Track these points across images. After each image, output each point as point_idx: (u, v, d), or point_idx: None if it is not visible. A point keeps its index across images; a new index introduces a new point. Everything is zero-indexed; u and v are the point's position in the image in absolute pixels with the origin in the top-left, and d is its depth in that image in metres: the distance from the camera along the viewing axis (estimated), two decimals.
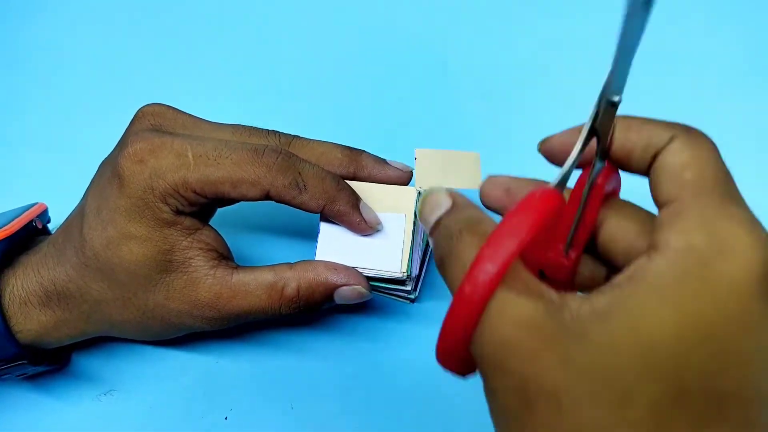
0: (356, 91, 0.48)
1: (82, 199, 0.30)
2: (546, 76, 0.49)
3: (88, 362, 0.34)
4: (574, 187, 0.24)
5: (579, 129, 0.23)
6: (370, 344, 0.35)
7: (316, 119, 0.47)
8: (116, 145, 0.31)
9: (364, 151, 0.33)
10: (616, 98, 0.22)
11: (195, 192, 0.27)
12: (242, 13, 0.54)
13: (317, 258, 0.30)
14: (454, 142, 0.45)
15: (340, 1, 0.53)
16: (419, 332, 0.35)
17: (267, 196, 0.28)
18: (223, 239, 0.31)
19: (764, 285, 0.18)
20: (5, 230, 0.28)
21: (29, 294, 0.29)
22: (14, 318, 0.28)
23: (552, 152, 0.25)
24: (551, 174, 0.23)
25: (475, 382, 0.33)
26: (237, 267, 0.30)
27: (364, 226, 0.30)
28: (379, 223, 0.31)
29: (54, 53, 0.51)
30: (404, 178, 0.32)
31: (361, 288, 0.30)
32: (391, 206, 0.32)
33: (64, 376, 0.34)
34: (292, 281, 0.29)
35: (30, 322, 0.29)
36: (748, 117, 0.45)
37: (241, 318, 0.29)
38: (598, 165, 0.23)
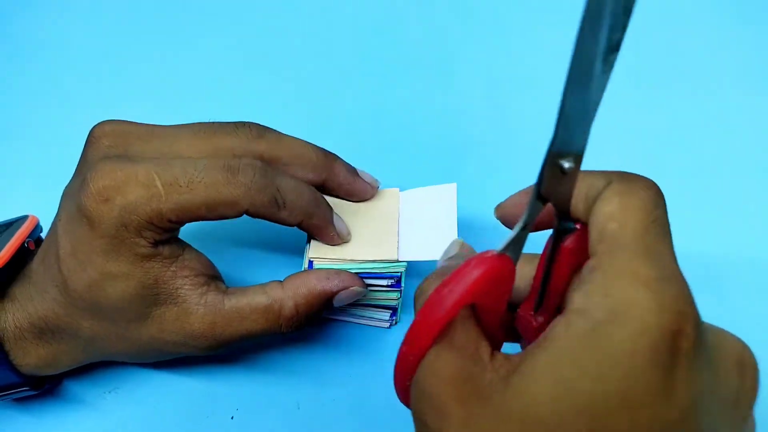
0: (356, 95, 0.48)
1: (51, 231, 0.29)
2: (552, 82, 0.47)
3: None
4: (543, 250, 0.23)
5: (530, 191, 0.22)
6: (377, 344, 0.35)
7: (316, 123, 0.46)
8: (75, 175, 0.29)
9: (338, 157, 0.32)
10: (566, 165, 0.19)
11: (170, 221, 0.26)
12: (238, 11, 0.53)
13: (311, 254, 0.31)
14: (457, 148, 0.45)
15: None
16: None
17: (246, 213, 0.28)
18: (206, 258, 0.30)
19: (659, 354, 0.17)
20: None
21: (22, 330, 0.28)
22: (12, 352, 0.28)
23: (506, 218, 0.25)
24: None
25: None
26: (227, 290, 0.29)
27: (336, 239, 0.30)
28: (349, 234, 0.31)
29: (46, 47, 0.51)
30: (369, 193, 0.33)
31: (357, 288, 0.30)
32: (379, 207, 0.33)
33: (67, 374, 0.33)
34: (288, 301, 0.28)
35: (28, 356, 0.29)
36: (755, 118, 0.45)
37: (240, 342, 0.29)
38: (564, 227, 0.22)
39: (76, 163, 0.30)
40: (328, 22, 0.52)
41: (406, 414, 0.33)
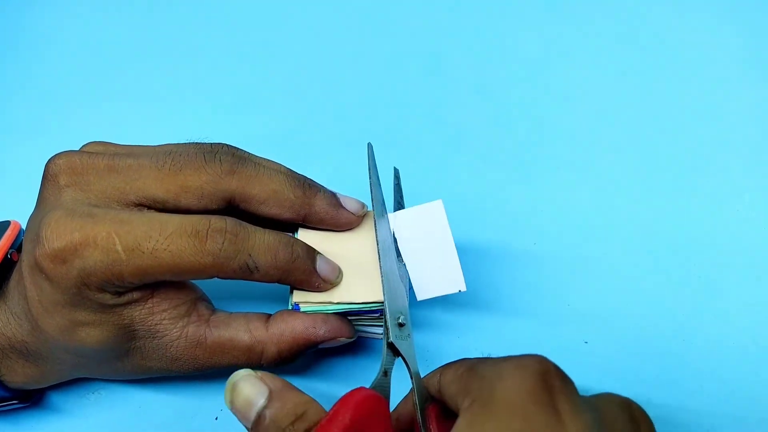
0: (348, 91, 0.47)
1: (19, 261, 0.27)
2: (543, 74, 0.48)
3: None
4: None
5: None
6: (366, 341, 0.35)
7: (306, 119, 0.46)
8: (36, 211, 0.27)
9: (319, 190, 0.30)
10: (401, 319, 0.28)
11: (132, 283, 0.25)
12: (228, 11, 0.52)
13: (296, 298, 0.29)
14: (447, 142, 0.45)
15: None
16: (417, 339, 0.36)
17: (216, 277, 0.26)
18: (185, 284, 0.28)
19: (537, 393, 0.20)
20: None
21: (5, 351, 0.28)
22: None
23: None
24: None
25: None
26: (210, 318, 0.28)
27: (323, 286, 0.29)
28: (338, 273, 0.30)
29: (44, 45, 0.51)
30: (355, 223, 0.31)
31: (344, 338, 0.29)
32: (363, 235, 0.32)
33: None
34: (271, 346, 0.28)
35: (15, 374, 0.28)
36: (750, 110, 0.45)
37: (219, 369, 0.29)
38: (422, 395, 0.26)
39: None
40: (319, 17, 0.52)
41: None
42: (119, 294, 0.25)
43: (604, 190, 0.41)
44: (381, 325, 0.33)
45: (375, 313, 0.31)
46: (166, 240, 0.24)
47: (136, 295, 0.26)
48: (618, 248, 0.39)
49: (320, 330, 0.28)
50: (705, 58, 0.47)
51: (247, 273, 0.26)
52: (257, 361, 0.28)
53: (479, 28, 0.50)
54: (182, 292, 0.28)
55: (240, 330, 0.28)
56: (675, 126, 0.44)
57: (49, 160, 0.27)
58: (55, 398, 0.33)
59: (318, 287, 0.29)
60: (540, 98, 0.46)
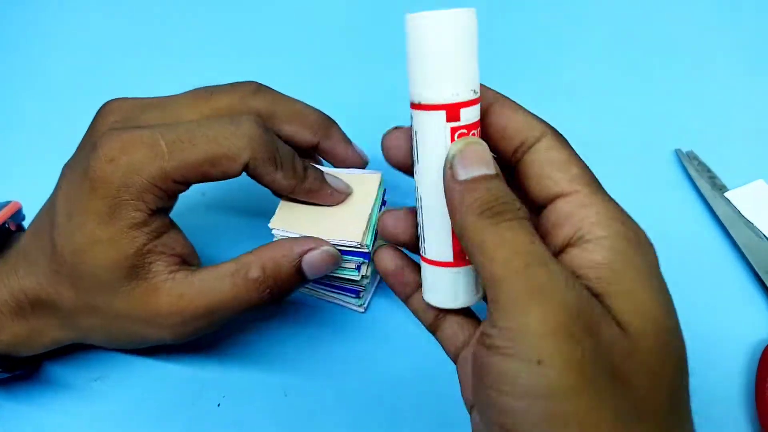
0: (348, 73, 0.47)
1: (47, 204, 0.29)
2: (552, 49, 0.47)
3: (78, 347, 0.33)
4: None
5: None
6: (361, 332, 0.35)
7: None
8: (80, 147, 0.29)
9: (335, 122, 0.33)
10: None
11: (174, 181, 0.26)
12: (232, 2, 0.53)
13: (272, 224, 0.30)
14: None
15: None
16: (408, 320, 0.34)
17: (246, 169, 0.27)
18: (189, 243, 0.29)
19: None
20: None
21: (0, 304, 0.28)
22: None
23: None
24: None
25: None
26: (198, 269, 0.28)
27: (336, 195, 0.30)
28: (349, 187, 0.31)
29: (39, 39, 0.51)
30: (359, 165, 0.33)
31: (328, 248, 0.28)
32: (357, 190, 0.31)
33: (54, 361, 0.34)
34: (255, 263, 0.28)
35: (3, 333, 0.28)
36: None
37: (207, 319, 0.28)
38: None
39: (69, 148, 0.30)
40: (325, 4, 0.52)
41: (394, 400, 0.32)
42: (149, 212, 0.27)
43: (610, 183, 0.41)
44: (352, 292, 0.33)
45: (352, 255, 0.30)
46: (203, 128, 0.26)
47: (156, 223, 0.27)
48: None
49: (300, 241, 0.28)
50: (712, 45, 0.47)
51: (273, 166, 0.27)
52: (244, 288, 0.27)
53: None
54: (184, 247, 0.29)
55: (225, 263, 0.28)
56: (678, 120, 0.44)
57: (101, 106, 0.30)
58: (60, 382, 0.33)
59: (331, 196, 0.30)
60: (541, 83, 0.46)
